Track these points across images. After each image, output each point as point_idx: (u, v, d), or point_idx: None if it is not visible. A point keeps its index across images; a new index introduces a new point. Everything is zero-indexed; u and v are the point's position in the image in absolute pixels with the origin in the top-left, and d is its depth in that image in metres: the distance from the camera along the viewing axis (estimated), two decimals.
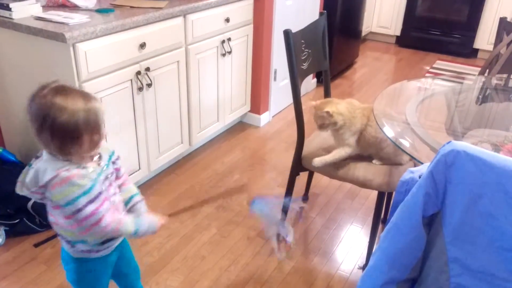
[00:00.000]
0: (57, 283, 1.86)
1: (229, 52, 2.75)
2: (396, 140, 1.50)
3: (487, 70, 2.28)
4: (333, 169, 1.84)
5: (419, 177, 1.06)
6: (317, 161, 1.82)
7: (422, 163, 1.23)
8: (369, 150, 1.80)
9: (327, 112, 1.73)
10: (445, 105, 2.13)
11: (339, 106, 1.76)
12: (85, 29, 1.82)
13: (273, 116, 3.40)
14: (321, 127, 1.78)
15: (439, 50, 4.96)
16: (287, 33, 1.73)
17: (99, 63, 1.92)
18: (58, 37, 1.77)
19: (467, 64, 4.67)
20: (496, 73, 2.08)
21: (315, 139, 2.04)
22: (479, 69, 4.49)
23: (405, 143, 1.51)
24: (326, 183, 2.59)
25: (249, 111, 3.23)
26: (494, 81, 2.17)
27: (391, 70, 4.55)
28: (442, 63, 4.67)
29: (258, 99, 3.18)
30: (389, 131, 1.51)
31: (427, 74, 4.33)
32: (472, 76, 3.05)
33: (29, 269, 1.93)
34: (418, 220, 0.94)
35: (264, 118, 3.27)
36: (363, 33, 4.87)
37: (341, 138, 1.79)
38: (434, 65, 4.61)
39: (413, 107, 1.76)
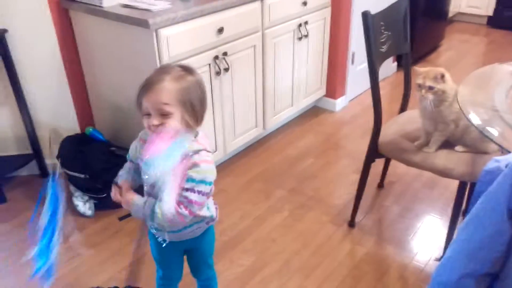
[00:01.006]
0: (140, 254, 2.00)
1: (306, 36, 2.72)
2: (483, 128, 1.40)
3: None
4: (411, 156, 1.77)
5: (506, 166, 0.99)
6: (432, 146, 1.74)
7: (510, 153, 1.15)
8: (455, 134, 1.70)
9: (442, 75, 1.61)
10: None
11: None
12: (167, 15, 1.90)
13: (349, 101, 3.32)
14: (426, 92, 1.63)
15: None
16: (365, 14, 1.67)
17: (179, 47, 1.99)
18: (142, 23, 1.87)
19: None
20: None
21: (392, 125, 1.97)
22: None
23: (493, 131, 1.41)
24: (403, 171, 2.50)
25: (325, 96, 3.18)
26: None
27: (481, 53, 4.23)
28: None
29: (334, 83, 3.12)
30: (475, 118, 1.41)
31: None
32: None
33: (115, 240, 2.09)
34: (502, 212, 0.88)
35: (339, 103, 3.21)
36: (450, 14, 4.56)
37: (440, 115, 1.67)
38: None
39: (503, 93, 1.62)
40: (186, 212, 1.21)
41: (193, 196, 1.20)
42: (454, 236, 1.75)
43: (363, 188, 2.05)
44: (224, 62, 2.23)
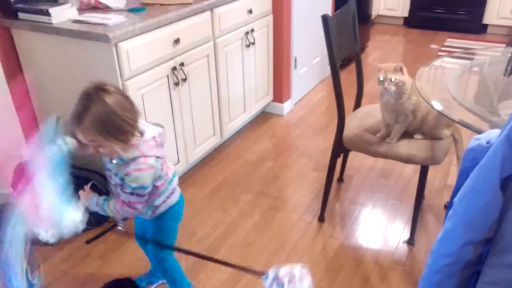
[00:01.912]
0: (115, 275, 1.93)
1: (253, 43, 2.80)
2: (446, 113, 1.55)
3: None
4: (376, 147, 1.89)
5: (487, 143, 1.11)
6: (394, 137, 1.87)
7: (478, 133, 1.29)
8: (413, 124, 1.85)
9: (401, 67, 1.74)
10: (475, 80, 2.18)
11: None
12: (126, 28, 1.87)
13: (295, 104, 3.44)
14: (388, 85, 1.75)
15: (449, 29, 4.99)
16: (325, 18, 1.77)
17: (139, 60, 1.97)
18: (102, 38, 1.82)
19: (477, 40, 4.70)
20: None
21: (352, 121, 2.09)
22: (490, 44, 4.53)
23: (454, 116, 1.56)
24: (358, 164, 2.65)
25: (272, 101, 3.27)
26: None
27: (403, 52, 4.59)
28: (453, 41, 4.70)
29: (280, 88, 3.22)
30: (438, 105, 1.56)
31: (440, 53, 4.37)
32: (484, 52, 3.08)
33: (86, 265, 1.99)
34: (496, 182, 0.99)
35: (287, 107, 3.32)
36: (372, 17, 4.89)
37: (401, 107, 1.80)
38: (445, 44, 4.64)
39: (454, 82, 1.80)
40: (130, 210, 1.43)
41: (132, 198, 1.41)
42: (420, 217, 1.87)
43: (331, 182, 2.15)
44: (181, 72, 2.23)
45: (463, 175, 1.16)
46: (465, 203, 1.06)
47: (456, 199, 1.09)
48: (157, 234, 1.64)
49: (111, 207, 1.45)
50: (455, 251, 1.08)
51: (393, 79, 1.73)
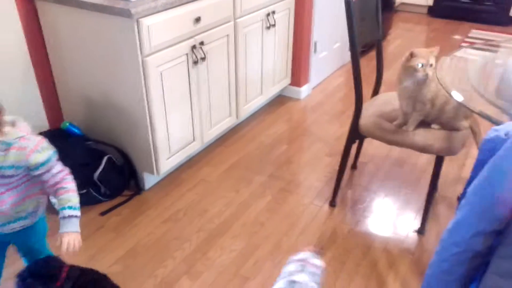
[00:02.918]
0: (128, 247, 1.97)
1: (273, 25, 2.78)
2: (466, 104, 1.54)
3: None
4: (392, 135, 1.89)
5: (505, 135, 1.10)
6: (411, 125, 1.86)
7: (497, 125, 1.27)
8: (431, 113, 1.83)
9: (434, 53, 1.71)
10: (498, 72, 2.14)
11: None
12: (148, 4, 1.87)
13: (312, 89, 3.43)
14: (429, 69, 1.71)
15: (474, 19, 4.88)
16: (348, 2, 1.75)
17: (159, 37, 1.98)
18: (123, 13, 1.83)
19: (503, 32, 4.59)
20: None
21: (369, 107, 2.08)
22: None
23: (473, 107, 1.55)
24: (373, 152, 2.64)
25: (290, 84, 3.26)
26: None
27: (425, 41, 4.51)
28: (477, 32, 4.60)
29: (298, 71, 3.21)
30: (457, 95, 1.54)
31: (463, 44, 4.28)
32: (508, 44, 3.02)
33: (99, 237, 2.04)
34: (510, 173, 0.98)
35: (304, 91, 3.30)
36: (395, 4, 4.81)
37: (420, 93, 1.77)
38: (469, 35, 4.55)
39: (476, 73, 1.78)
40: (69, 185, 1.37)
41: (60, 165, 1.37)
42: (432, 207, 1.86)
43: (344, 168, 2.15)
44: (201, 51, 2.23)
45: (478, 166, 1.15)
46: (479, 193, 1.05)
47: (470, 189, 1.08)
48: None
49: (72, 193, 1.39)
50: (465, 240, 1.08)
51: (433, 64, 1.71)
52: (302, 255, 1.11)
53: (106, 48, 2.01)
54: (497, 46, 2.68)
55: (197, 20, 2.15)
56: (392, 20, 4.60)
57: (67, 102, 2.35)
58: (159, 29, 1.96)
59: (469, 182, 1.19)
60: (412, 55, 1.74)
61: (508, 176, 0.99)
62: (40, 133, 2.15)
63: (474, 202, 1.06)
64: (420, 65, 1.71)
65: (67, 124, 2.15)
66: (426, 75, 1.71)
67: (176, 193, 2.31)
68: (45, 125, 2.35)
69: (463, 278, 1.11)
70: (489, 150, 1.11)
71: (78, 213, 1.39)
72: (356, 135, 2.02)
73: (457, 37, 4.53)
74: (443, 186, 2.34)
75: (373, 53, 3.93)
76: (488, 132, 1.12)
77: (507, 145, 0.99)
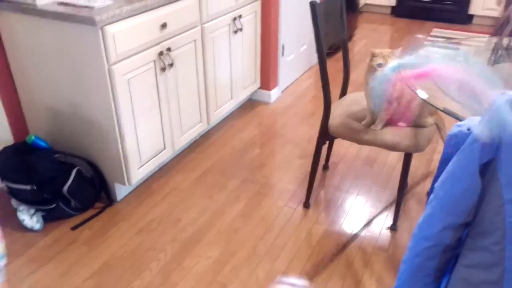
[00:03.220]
0: (102, 260, 1.93)
1: (240, 29, 2.79)
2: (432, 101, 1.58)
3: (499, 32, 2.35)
4: (361, 135, 1.92)
5: (468, 129, 1.13)
6: (379, 124, 1.90)
7: (461, 121, 1.31)
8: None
9: (395, 54, 1.76)
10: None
11: None
12: (112, 12, 1.85)
13: (282, 92, 3.45)
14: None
15: (435, 18, 5.03)
16: (313, 4, 1.77)
17: (125, 45, 1.95)
18: (87, 21, 1.80)
19: (463, 30, 4.74)
20: (508, 34, 2.16)
21: (337, 108, 2.11)
22: (474, 34, 4.58)
23: (438, 104, 1.59)
24: (343, 152, 2.68)
25: (259, 88, 3.27)
26: (506, 42, 2.24)
27: (390, 41, 4.61)
28: (439, 31, 4.74)
29: (267, 75, 3.22)
30: (422, 94, 1.58)
31: (426, 43, 4.40)
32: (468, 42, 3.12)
33: (71, 251, 1.99)
34: (475, 167, 1.01)
35: (274, 94, 3.32)
36: (360, 5, 4.90)
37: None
38: (432, 33, 4.68)
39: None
40: None
41: None
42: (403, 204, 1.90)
43: (316, 169, 2.17)
44: (168, 57, 2.22)
45: (444, 161, 1.18)
46: (445, 188, 1.08)
47: (437, 184, 1.11)
48: None
49: None
50: (435, 234, 1.11)
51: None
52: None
53: (71, 57, 1.97)
54: (458, 43, 2.76)
55: (163, 26, 2.13)
56: (357, 21, 4.68)
57: (32, 115, 2.29)
58: (125, 36, 1.93)
59: (436, 177, 1.22)
60: (372, 55, 1.78)
61: (471, 170, 1.02)
62: (5, 148, 2.09)
63: (441, 197, 1.09)
64: (379, 64, 1.75)
65: (33, 137, 2.09)
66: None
67: (149, 203, 2.28)
68: (10, 139, 2.28)
69: (436, 272, 1.14)
70: (453, 145, 1.14)
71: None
72: (326, 136, 2.04)
73: (420, 36, 4.65)
74: (413, 182, 2.39)
75: (339, 55, 4.00)
76: (452, 128, 1.16)
77: (469, 140, 1.02)
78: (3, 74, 2.18)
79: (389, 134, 1.88)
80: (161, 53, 2.16)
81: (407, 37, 4.65)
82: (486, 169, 1.05)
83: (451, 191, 1.07)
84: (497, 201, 1.03)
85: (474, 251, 1.07)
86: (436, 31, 4.73)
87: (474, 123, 1.12)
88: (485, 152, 1.02)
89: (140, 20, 1.99)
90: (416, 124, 1.90)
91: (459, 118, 1.41)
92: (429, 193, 1.30)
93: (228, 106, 2.91)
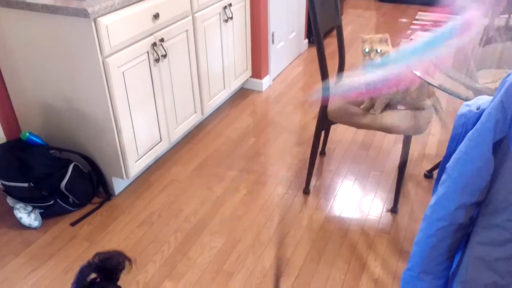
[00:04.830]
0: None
1: (231, 18, 2.76)
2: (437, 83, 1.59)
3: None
4: (360, 119, 1.92)
5: (477, 109, 1.14)
6: (378, 108, 1.90)
7: (459, 98, 1.33)
8: (396, 95, 1.88)
9: (386, 39, 1.77)
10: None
11: None
12: (104, 3, 1.80)
13: (273, 80, 3.44)
14: (374, 55, 1.78)
15: (419, 2, 5.05)
16: None
17: (119, 36, 1.91)
18: (80, 13, 1.76)
19: (446, 13, 4.78)
20: (498, 15, 2.18)
21: None
22: (458, 17, 4.63)
23: (434, 82, 1.60)
24: (339, 137, 2.69)
25: (251, 76, 3.26)
26: (496, 23, 2.27)
27: (376, 26, 4.62)
28: (423, 14, 4.77)
29: (258, 63, 3.21)
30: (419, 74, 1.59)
31: (412, 27, 4.43)
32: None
33: (72, 247, 1.97)
34: (489, 146, 1.02)
35: (265, 82, 3.31)
36: None
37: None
38: (416, 17, 4.71)
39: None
40: None
41: None
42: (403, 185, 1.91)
43: (315, 156, 2.17)
44: (161, 48, 2.18)
45: (453, 141, 1.20)
46: (458, 168, 1.09)
47: (449, 164, 1.12)
48: None
49: None
50: (449, 214, 1.12)
51: (379, 50, 1.75)
52: None
53: (64, 51, 1.92)
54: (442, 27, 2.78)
55: (156, 16, 2.09)
56: (342, 6, 4.67)
57: (24, 111, 2.23)
58: (118, 28, 1.90)
59: (446, 157, 1.23)
60: (362, 40, 1.80)
61: (485, 149, 1.03)
62: None
63: (455, 177, 1.10)
64: (366, 50, 1.76)
65: (27, 134, 2.04)
66: (371, 60, 1.77)
67: (148, 196, 2.26)
68: (1, 137, 2.23)
69: (449, 250, 1.15)
70: (462, 125, 1.15)
71: None
72: (325, 122, 2.04)
73: (404, 20, 4.68)
74: (409, 164, 2.42)
75: (327, 41, 3.99)
76: (460, 107, 1.16)
77: (482, 119, 1.03)
78: None
79: (388, 118, 1.89)
80: (154, 44, 2.12)
81: (392, 22, 4.67)
82: (499, 147, 1.06)
83: (465, 171, 1.08)
84: (511, 178, 1.05)
85: (488, 228, 1.08)
86: (421, 15, 4.76)
87: (484, 102, 1.13)
88: (498, 130, 1.03)
89: (132, 11, 1.95)
90: (415, 107, 1.91)
91: (457, 96, 1.42)
92: (438, 173, 1.31)
93: (221, 96, 2.89)
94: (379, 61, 1.77)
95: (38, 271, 1.84)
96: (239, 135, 2.76)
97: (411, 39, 2.16)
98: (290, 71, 3.60)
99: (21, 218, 2.03)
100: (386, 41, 1.77)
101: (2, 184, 2.00)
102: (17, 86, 2.16)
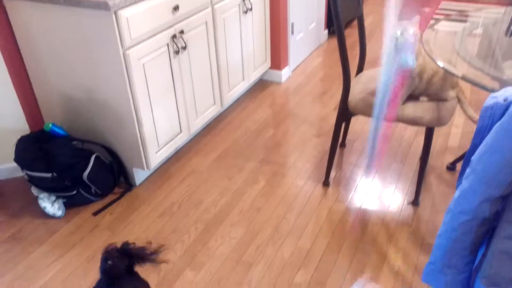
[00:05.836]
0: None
1: (250, 9, 2.74)
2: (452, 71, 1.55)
3: None
4: None
5: (504, 100, 1.12)
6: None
7: (483, 89, 1.30)
8: (419, 86, 1.85)
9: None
10: (477, 41, 2.17)
11: None
12: None
13: (292, 71, 3.42)
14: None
15: None
16: None
17: (139, 29, 1.92)
18: (100, 6, 1.77)
19: (472, 2, 4.66)
20: None
21: (356, 85, 2.08)
22: (485, 6, 4.50)
23: (458, 72, 1.57)
24: (359, 129, 2.66)
25: (270, 68, 3.24)
26: None
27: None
28: (447, 3, 4.66)
29: (278, 54, 3.19)
30: (443, 64, 1.56)
31: (435, 16, 4.34)
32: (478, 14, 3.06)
33: (94, 237, 2.00)
34: None
35: (284, 74, 3.29)
36: None
37: None
38: (440, 6, 4.60)
39: (458, 43, 1.80)
40: None
41: None
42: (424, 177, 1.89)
43: (336, 147, 2.16)
44: (181, 40, 2.19)
45: (479, 133, 1.17)
46: (484, 161, 1.07)
47: (474, 157, 1.10)
48: None
49: None
50: (473, 208, 1.10)
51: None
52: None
53: (85, 44, 1.94)
54: (467, 16, 2.71)
55: (176, 8, 2.09)
56: None
57: (47, 103, 2.27)
58: (139, 20, 1.90)
59: (470, 150, 1.21)
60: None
61: (503, 142, 1.00)
62: (22, 137, 2.08)
63: (480, 170, 1.08)
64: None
65: (50, 125, 2.08)
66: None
67: (168, 186, 2.28)
68: (26, 128, 2.28)
69: (473, 245, 1.13)
70: (488, 116, 1.13)
71: None
72: (345, 113, 2.02)
73: (426, 9, 4.57)
74: (431, 157, 2.38)
75: (348, 31, 3.94)
76: (487, 99, 1.14)
77: (510, 111, 1.00)
78: (15, 64, 2.16)
79: (411, 109, 1.86)
80: (174, 36, 2.13)
81: (415, 11, 4.57)
82: None
83: (490, 164, 1.06)
84: None
85: None
86: (444, 4, 4.65)
87: (511, 94, 1.10)
88: None
89: (152, 3, 1.96)
90: (438, 98, 1.88)
91: (482, 87, 1.38)
92: (462, 166, 1.29)
93: (240, 87, 2.88)
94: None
95: (62, 260, 1.88)
96: (258, 126, 2.76)
97: (435, 29, 2.11)
98: (309, 62, 3.57)
99: (45, 207, 2.08)
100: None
101: (27, 174, 2.04)
102: (40, 79, 2.19)
